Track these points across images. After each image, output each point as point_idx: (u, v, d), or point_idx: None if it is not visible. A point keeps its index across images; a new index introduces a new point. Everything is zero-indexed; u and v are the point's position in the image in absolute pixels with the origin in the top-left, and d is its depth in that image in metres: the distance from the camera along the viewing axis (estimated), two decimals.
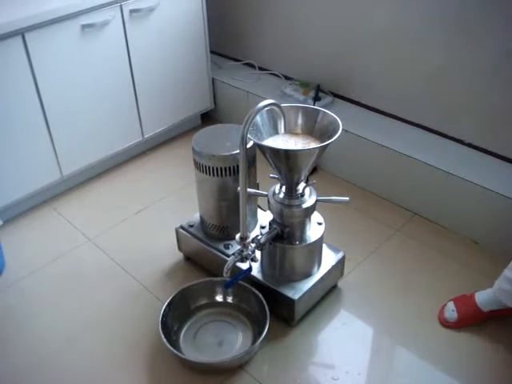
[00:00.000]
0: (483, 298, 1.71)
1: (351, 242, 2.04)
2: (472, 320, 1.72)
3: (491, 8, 1.88)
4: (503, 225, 1.94)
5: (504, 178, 1.97)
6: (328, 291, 1.85)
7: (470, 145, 2.14)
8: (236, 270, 1.68)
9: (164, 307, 1.68)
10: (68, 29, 2.07)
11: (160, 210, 2.29)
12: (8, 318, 1.83)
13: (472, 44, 1.97)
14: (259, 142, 1.51)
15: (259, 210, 1.93)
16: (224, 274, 1.57)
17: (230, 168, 1.71)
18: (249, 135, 1.41)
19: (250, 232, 1.84)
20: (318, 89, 2.47)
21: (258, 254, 1.66)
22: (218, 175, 1.72)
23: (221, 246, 1.83)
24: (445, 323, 1.74)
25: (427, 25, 2.07)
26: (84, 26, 2.10)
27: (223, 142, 1.74)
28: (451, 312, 1.74)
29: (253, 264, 1.69)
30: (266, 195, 1.66)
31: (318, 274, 1.74)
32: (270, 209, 1.67)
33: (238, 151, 1.64)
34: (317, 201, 1.63)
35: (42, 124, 2.14)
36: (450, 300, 1.78)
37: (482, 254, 1.99)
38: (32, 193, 2.22)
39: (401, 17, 2.14)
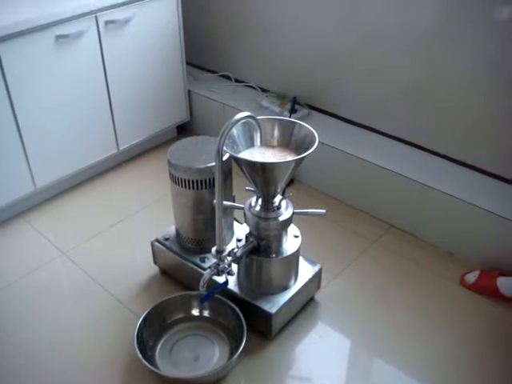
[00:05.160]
0: (505, 283, 1.84)
1: (328, 255, 2.04)
2: (488, 293, 1.87)
3: (470, 20, 1.90)
4: (478, 236, 1.96)
5: (479, 190, 1.99)
6: (305, 304, 1.84)
7: (445, 157, 2.17)
8: (212, 284, 1.66)
9: (139, 322, 1.65)
10: (42, 39, 2.04)
11: (135, 222, 2.27)
12: None
13: (449, 56, 1.99)
14: (235, 155, 1.50)
15: (235, 223, 1.92)
16: (200, 288, 1.55)
17: (205, 181, 1.69)
18: (225, 148, 1.40)
19: (226, 245, 1.82)
20: (295, 101, 2.48)
21: (234, 267, 1.64)
22: (193, 188, 1.70)
23: (197, 260, 1.82)
24: (463, 282, 1.92)
25: (402, 37, 2.09)
26: (58, 37, 2.08)
27: (199, 154, 1.73)
28: (472, 277, 1.91)
29: (229, 277, 1.68)
30: (243, 208, 1.65)
31: (295, 287, 1.74)
32: (246, 222, 1.66)
33: (213, 164, 1.63)
34: (293, 213, 1.63)
35: (16, 135, 2.10)
36: (479, 269, 1.93)
37: (458, 264, 2.00)
38: (4, 205, 2.18)
39: (376, 30, 2.16)
